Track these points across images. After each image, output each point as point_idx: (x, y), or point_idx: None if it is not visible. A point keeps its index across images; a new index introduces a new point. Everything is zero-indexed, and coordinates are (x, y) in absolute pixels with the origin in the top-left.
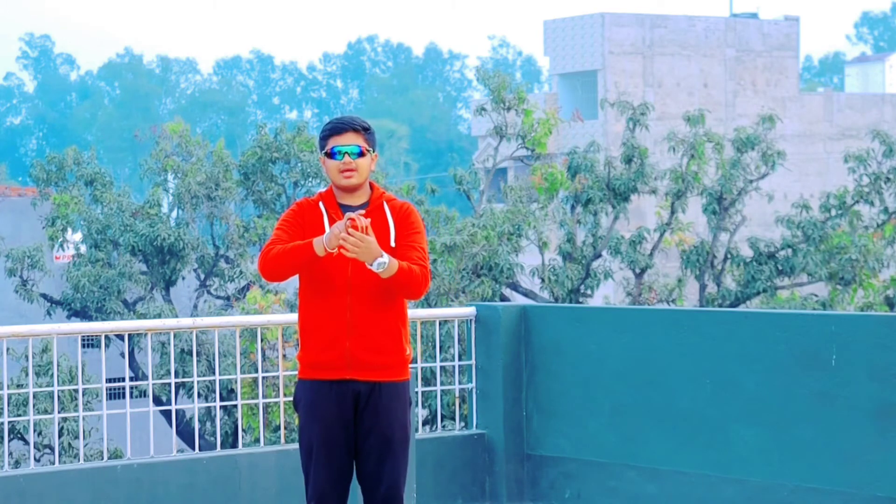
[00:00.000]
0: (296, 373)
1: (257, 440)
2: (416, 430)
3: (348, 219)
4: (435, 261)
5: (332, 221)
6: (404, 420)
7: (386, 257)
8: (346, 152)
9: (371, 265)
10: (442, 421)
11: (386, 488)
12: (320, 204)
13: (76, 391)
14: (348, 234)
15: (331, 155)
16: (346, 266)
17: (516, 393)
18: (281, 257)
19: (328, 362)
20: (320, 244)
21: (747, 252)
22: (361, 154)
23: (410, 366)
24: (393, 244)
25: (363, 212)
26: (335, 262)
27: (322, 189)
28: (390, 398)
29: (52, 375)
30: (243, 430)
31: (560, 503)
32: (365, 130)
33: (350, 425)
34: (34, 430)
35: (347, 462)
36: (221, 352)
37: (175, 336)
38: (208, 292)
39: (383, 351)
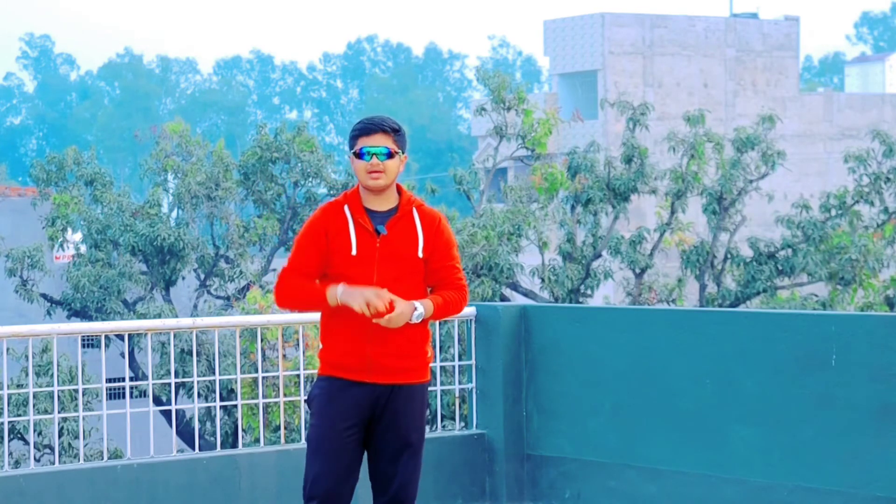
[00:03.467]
0: (296, 373)
1: (257, 440)
2: None
3: (369, 303)
4: None
5: (358, 230)
6: (421, 422)
7: (420, 308)
8: (375, 153)
9: (410, 321)
10: (442, 421)
11: (397, 488)
12: (345, 208)
13: (76, 391)
14: (374, 311)
15: (359, 155)
16: (372, 270)
17: (516, 393)
18: (296, 300)
19: (349, 365)
20: (334, 296)
21: (747, 252)
22: (390, 156)
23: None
24: (421, 254)
25: (389, 224)
26: (360, 267)
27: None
28: (408, 400)
29: (52, 375)
30: (243, 430)
31: (560, 503)
32: (395, 132)
33: (364, 425)
34: (34, 430)
35: (356, 461)
36: (221, 352)
37: (175, 336)
38: (208, 292)
39: (404, 355)
